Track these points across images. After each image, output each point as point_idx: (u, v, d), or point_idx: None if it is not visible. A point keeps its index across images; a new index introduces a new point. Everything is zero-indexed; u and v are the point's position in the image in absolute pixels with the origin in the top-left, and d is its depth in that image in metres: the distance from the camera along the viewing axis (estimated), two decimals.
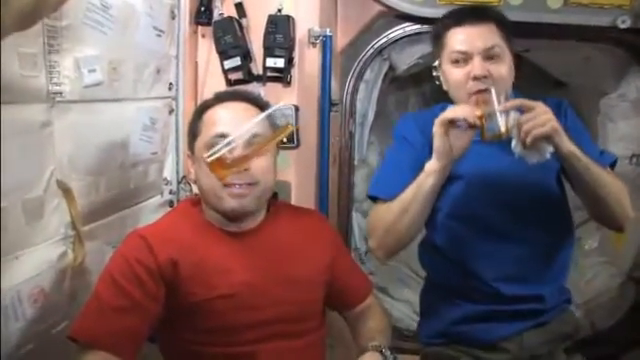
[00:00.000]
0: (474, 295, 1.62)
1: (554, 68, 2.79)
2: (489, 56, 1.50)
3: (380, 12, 2.23)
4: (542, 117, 1.33)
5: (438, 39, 1.60)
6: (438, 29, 1.61)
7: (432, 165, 1.45)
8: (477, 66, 1.48)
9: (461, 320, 1.65)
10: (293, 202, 2.02)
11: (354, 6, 2.26)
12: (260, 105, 1.47)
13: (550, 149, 1.36)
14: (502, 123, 1.35)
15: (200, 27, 2.07)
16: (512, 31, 1.57)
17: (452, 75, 1.54)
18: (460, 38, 1.53)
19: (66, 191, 1.39)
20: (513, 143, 1.38)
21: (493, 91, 1.39)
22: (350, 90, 2.43)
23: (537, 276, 1.60)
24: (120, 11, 1.54)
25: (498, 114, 1.36)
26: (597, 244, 2.89)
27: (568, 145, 1.37)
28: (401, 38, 2.35)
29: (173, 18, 1.91)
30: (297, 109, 2.01)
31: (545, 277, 1.62)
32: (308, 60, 2.07)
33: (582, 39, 2.34)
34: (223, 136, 1.35)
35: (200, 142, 1.40)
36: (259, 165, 1.37)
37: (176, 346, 1.41)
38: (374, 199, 1.63)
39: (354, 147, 2.56)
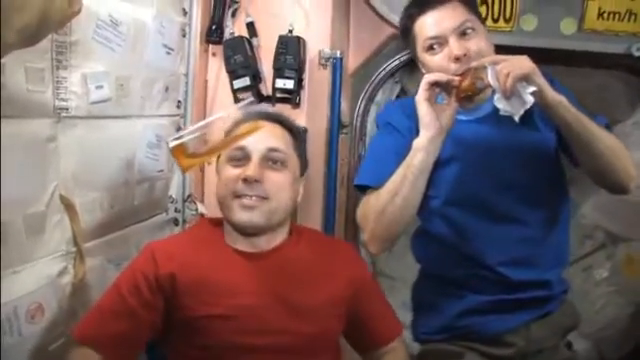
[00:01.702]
0: (477, 284, 1.57)
1: None
2: (463, 32, 1.47)
3: (392, 35, 2.22)
4: (519, 61, 1.33)
5: (408, 33, 1.58)
6: (404, 23, 1.59)
7: (420, 140, 1.42)
8: (455, 46, 1.46)
9: (463, 313, 1.59)
10: (298, 223, 1.99)
11: (366, 29, 2.25)
12: (286, 125, 1.48)
13: (531, 89, 1.32)
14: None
15: (211, 45, 2.07)
16: None
17: (432, 62, 1.51)
18: (429, 24, 1.50)
19: (69, 207, 1.39)
20: (495, 97, 1.36)
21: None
22: (361, 112, 2.42)
23: (541, 258, 1.56)
24: (130, 28, 1.55)
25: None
26: (607, 273, 2.83)
27: (552, 93, 1.35)
28: (413, 61, 2.33)
29: (184, 36, 1.92)
30: (306, 131, 2.00)
31: (548, 259, 1.57)
32: (318, 82, 2.06)
33: (596, 66, 2.32)
34: (242, 149, 1.38)
35: (222, 154, 1.43)
36: (273, 180, 1.38)
37: None
38: (362, 189, 1.58)
39: None
